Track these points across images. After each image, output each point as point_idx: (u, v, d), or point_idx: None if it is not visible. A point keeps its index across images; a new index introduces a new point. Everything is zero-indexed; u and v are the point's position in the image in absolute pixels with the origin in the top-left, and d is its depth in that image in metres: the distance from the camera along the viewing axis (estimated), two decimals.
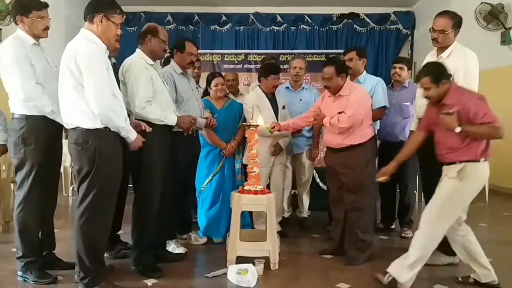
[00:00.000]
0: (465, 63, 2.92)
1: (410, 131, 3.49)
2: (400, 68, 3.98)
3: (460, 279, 2.77)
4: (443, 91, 2.58)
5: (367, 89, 3.39)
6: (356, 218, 3.11)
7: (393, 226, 4.16)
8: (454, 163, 2.57)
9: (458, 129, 2.48)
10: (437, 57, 3.07)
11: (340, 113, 3.08)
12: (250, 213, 3.72)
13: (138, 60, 2.90)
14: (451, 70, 2.71)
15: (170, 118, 2.89)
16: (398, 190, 4.17)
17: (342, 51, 4.79)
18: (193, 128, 3.11)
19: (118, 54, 3.30)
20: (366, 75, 3.72)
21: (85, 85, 2.30)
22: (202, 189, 3.73)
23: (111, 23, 2.43)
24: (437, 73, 2.59)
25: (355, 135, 3.10)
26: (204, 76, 4.32)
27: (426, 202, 3.40)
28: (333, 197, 3.32)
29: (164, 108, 2.90)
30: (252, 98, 3.75)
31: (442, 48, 3.05)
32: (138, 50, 2.97)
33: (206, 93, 4.01)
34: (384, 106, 3.61)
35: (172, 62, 3.40)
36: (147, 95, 2.80)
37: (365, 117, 3.16)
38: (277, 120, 3.63)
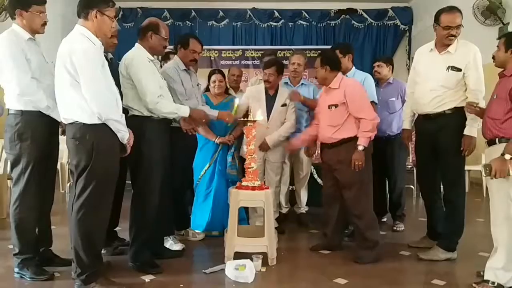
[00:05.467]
0: (474, 57, 2.96)
1: (403, 129, 3.50)
2: (378, 66, 4.11)
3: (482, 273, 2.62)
4: (509, 58, 2.56)
5: None
6: (357, 216, 3.08)
7: (384, 219, 4.20)
8: (494, 140, 2.51)
9: (507, 156, 2.37)
10: (440, 53, 3.05)
11: (330, 106, 3.10)
12: (246, 208, 3.72)
13: (140, 54, 2.83)
14: (461, 64, 2.86)
15: (183, 109, 2.86)
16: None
17: None
18: (207, 119, 3.10)
19: (115, 50, 3.26)
20: (355, 71, 3.76)
21: (81, 83, 2.28)
22: (197, 182, 3.74)
23: (106, 17, 2.41)
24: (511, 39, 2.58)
25: (345, 129, 3.08)
26: (201, 72, 4.30)
27: (423, 196, 3.41)
28: (326, 194, 3.30)
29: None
30: (249, 91, 3.89)
31: (445, 44, 3.03)
32: (137, 45, 2.89)
33: (208, 90, 4.00)
34: (373, 101, 3.59)
35: (176, 58, 3.34)
36: (157, 89, 2.76)
37: None
38: (268, 117, 3.66)
